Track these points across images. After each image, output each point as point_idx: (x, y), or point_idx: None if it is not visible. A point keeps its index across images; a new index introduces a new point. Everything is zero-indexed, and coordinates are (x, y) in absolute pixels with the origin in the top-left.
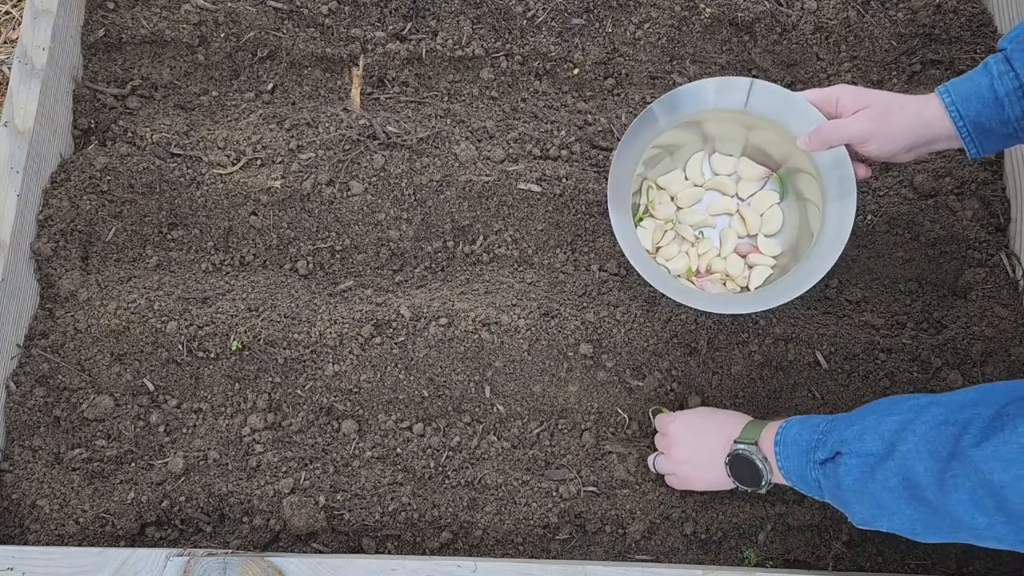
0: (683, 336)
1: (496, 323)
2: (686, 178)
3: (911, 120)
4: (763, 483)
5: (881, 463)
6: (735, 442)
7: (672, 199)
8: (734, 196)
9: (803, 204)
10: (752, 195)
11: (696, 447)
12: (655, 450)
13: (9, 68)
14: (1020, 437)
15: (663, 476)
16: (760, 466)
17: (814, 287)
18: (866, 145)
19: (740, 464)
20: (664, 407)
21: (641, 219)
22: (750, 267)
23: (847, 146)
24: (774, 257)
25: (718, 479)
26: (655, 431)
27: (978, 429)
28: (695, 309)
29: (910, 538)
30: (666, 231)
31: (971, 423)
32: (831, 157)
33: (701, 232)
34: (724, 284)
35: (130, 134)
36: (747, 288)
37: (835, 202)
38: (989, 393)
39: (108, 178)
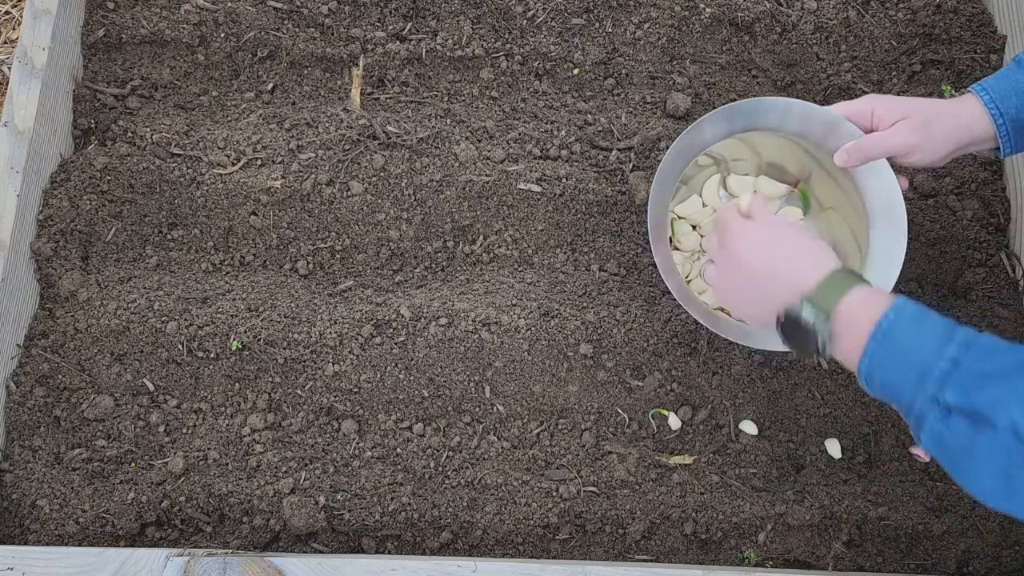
0: (683, 336)
1: (496, 323)
2: (704, 204)
3: (952, 126)
4: (820, 361)
5: None
6: (805, 299)
7: (694, 228)
8: None
9: (827, 216)
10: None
11: (755, 279)
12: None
13: (9, 68)
14: None
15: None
16: (822, 345)
17: None
18: (910, 157)
19: (796, 330)
20: (664, 408)
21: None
22: None
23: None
24: None
25: (765, 320)
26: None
27: None
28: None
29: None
30: (694, 263)
31: None
32: (885, 200)
33: None
34: None
35: (130, 134)
36: None
37: (883, 237)
38: None
39: (108, 178)
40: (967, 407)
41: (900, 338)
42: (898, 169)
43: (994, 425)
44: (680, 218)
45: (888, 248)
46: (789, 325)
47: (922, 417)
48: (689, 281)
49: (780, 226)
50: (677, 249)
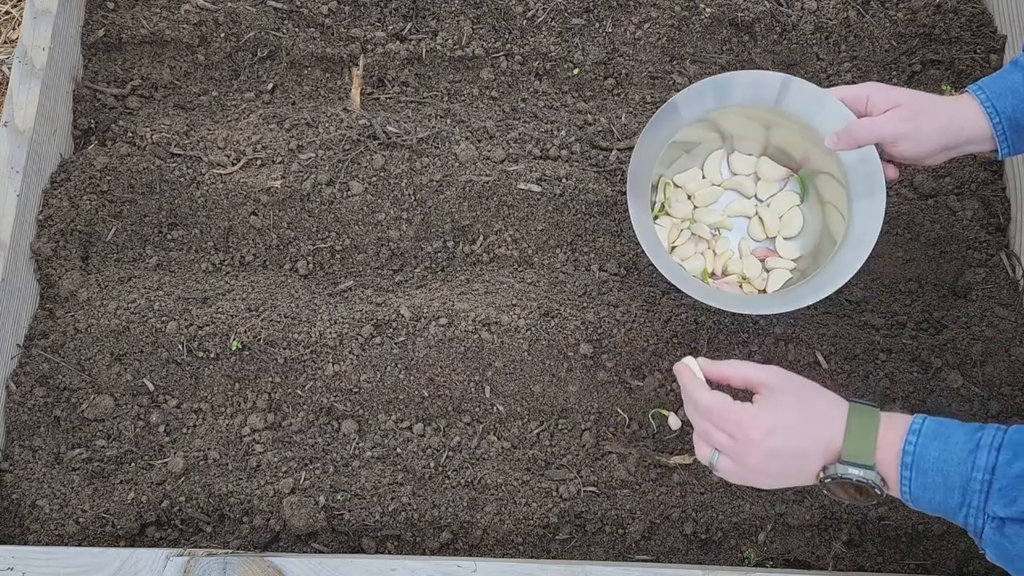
0: (683, 336)
1: (496, 323)
2: (704, 177)
3: (944, 121)
4: (875, 502)
5: None
6: (843, 462)
7: (689, 198)
8: (753, 197)
9: (824, 207)
10: (772, 196)
11: (782, 460)
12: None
13: (9, 68)
14: None
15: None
16: (879, 492)
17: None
18: (897, 145)
19: (846, 490)
20: (664, 408)
21: (657, 217)
22: (768, 271)
23: (876, 146)
24: (793, 260)
25: (804, 484)
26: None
27: None
28: (717, 309)
29: None
30: (682, 230)
31: None
32: (858, 155)
33: (718, 231)
34: (740, 287)
35: (130, 134)
36: (764, 291)
37: (862, 200)
38: None
39: (108, 178)
40: (1017, 515)
41: (929, 460)
42: (885, 158)
43: None
44: (677, 186)
45: (866, 212)
46: (837, 485)
47: (979, 532)
48: (675, 248)
49: (779, 397)
50: (668, 215)
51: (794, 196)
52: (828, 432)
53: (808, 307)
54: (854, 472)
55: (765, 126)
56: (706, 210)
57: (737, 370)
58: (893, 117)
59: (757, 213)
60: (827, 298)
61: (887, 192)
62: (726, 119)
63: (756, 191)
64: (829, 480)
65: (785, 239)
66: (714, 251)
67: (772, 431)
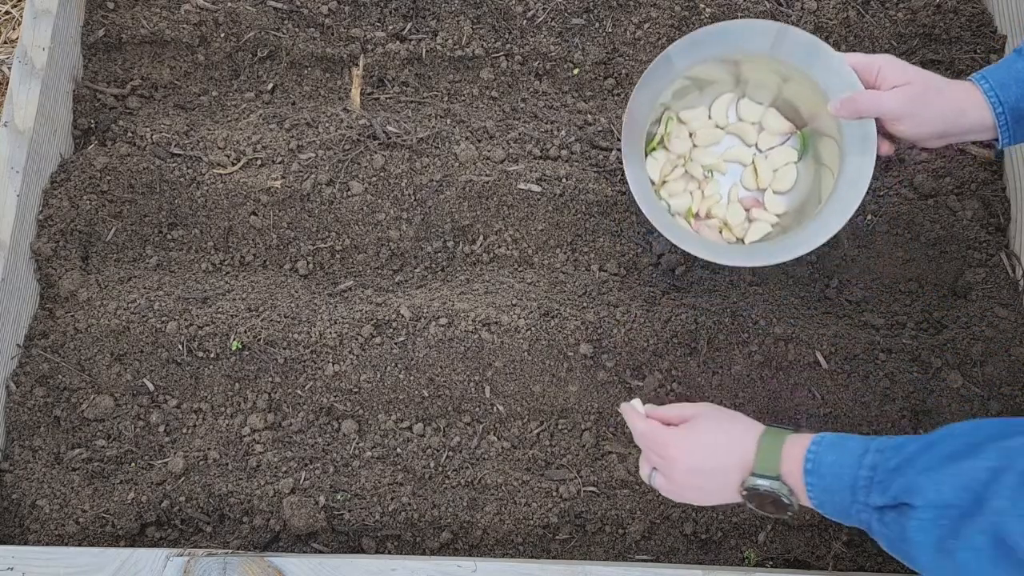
0: (683, 336)
1: (496, 323)
2: (709, 117)
3: (948, 107)
4: (790, 514)
5: (966, 520)
6: (753, 474)
7: (690, 136)
8: (753, 146)
9: (819, 169)
10: (771, 148)
11: (704, 476)
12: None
13: (9, 68)
14: None
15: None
16: (787, 501)
17: (822, 256)
18: (898, 124)
19: (761, 500)
20: None
21: (654, 149)
22: (750, 221)
23: (876, 120)
24: (777, 215)
25: (730, 499)
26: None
27: None
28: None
29: None
30: (676, 166)
31: None
32: (859, 123)
33: (711, 173)
34: (720, 232)
35: (130, 134)
36: (742, 241)
37: (853, 158)
38: None
39: (108, 178)
40: (891, 502)
41: (827, 466)
42: (883, 134)
43: (914, 507)
44: (681, 122)
45: (856, 169)
46: (754, 497)
47: (868, 526)
48: (665, 183)
49: (700, 422)
50: (665, 148)
51: (792, 152)
52: (742, 451)
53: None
54: (762, 483)
55: (782, 78)
56: (704, 150)
57: (675, 411)
58: (899, 95)
59: (753, 162)
60: (827, 298)
61: (875, 158)
62: (746, 65)
63: (757, 140)
64: (745, 493)
65: (775, 192)
66: (703, 192)
67: (692, 451)
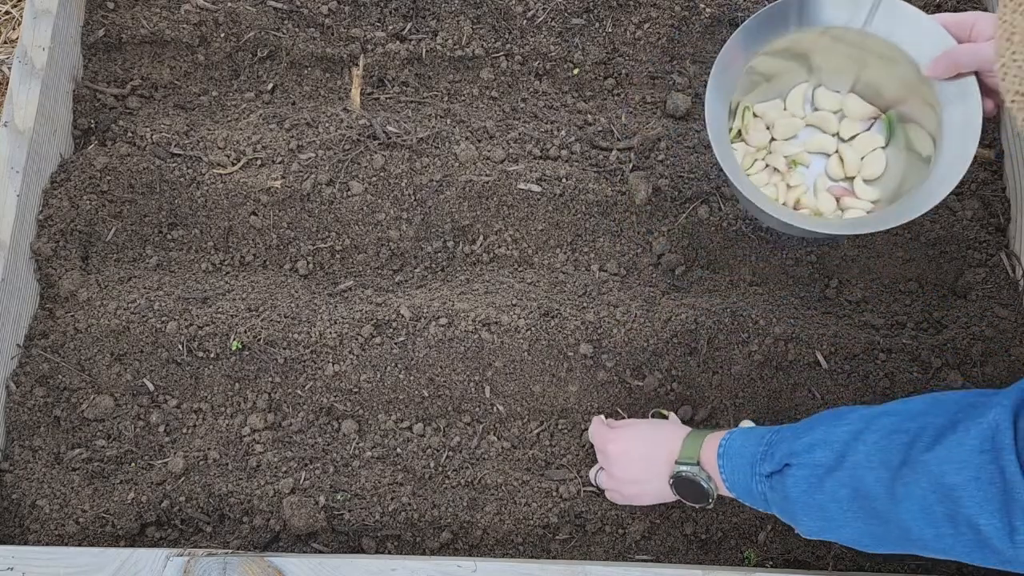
0: (683, 336)
1: (496, 323)
2: (785, 109)
3: None
4: (710, 501)
5: (830, 473)
6: (676, 463)
7: (768, 128)
8: (835, 135)
9: (911, 155)
10: (855, 136)
11: (638, 469)
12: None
13: (9, 68)
14: (972, 439)
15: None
16: (705, 486)
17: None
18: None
19: (685, 485)
20: (664, 408)
21: (732, 142)
22: (843, 210)
23: (976, 76)
24: (872, 203)
25: (663, 493)
26: (586, 419)
27: (930, 436)
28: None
29: (857, 549)
30: (756, 159)
31: (923, 431)
32: (956, 83)
33: (794, 163)
34: None
35: (130, 134)
36: None
37: (956, 105)
38: (939, 403)
39: (108, 178)
40: (777, 467)
41: (735, 448)
42: (986, 91)
43: (791, 466)
44: (756, 115)
45: (962, 116)
46: (679, 484)
47: (764, 498)
48: (747, 175)
49: (637, 424)
50: (743, 141)
51: (879, 138)
52: (669, 447)
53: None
54: (683, 468)
55: (860, 64)
56: (784, 142)
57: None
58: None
59: (837, 151)
60: (827, 298)
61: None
62: (818, 54)
63: (839, 129)
64: (672, 481)
65: (865, 181)
66: (788, 183)
67: (628, 442)
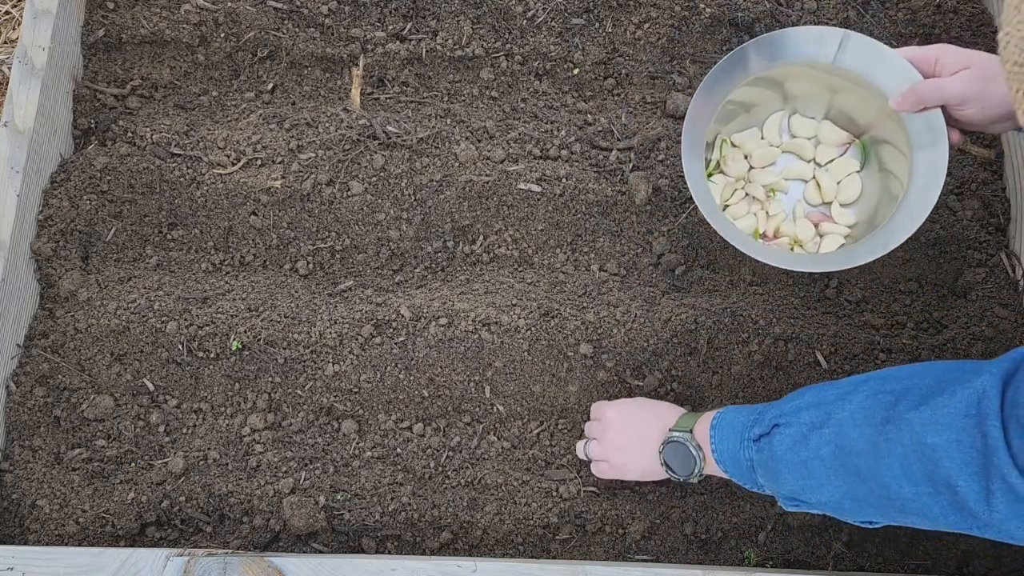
0: (683, 336)
1: (496, 323)
2: (762, 138)
3: None
4: (695, 472)
5: (816, 430)
6: (670, 430)
7: (746, 158)
8: (811, 161)
9: (885, 176)
10: (831, 161)
11: (631, 434)
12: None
13: (9, 68)
14: (957, 403)
15: (590, 463)
16: (694, 454)
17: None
18: (964, 108)
19: (673, 452)
20: None
21: (711, 174)
22: (821, 235)
23: (942, 108)
24: (848, 227)
25: (650, 467)
26: (586, 419)
27: (916, 396)
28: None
29: (835, 516)
30: (736, 189)
31: (909, 392)
32: (923, 116)
33: (772, 192)
34: (792, 249)
35: (130, 134)
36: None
37: (923, 152)
38: (929, 368)
39: (108, 178)
40: (765, 430)
41: (727, 420)
42: (951, 123)
43: (780, 426)
44: (734, 145)
45: (929, 163)
46: (668, 452)
47: (751, 463)
48: (727, 206)
49: (637, 398)
50: (722, 173)
51: (854, 162)
52: (664, 421)
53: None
54: (676, 434)
55: (831, 90)
56: (762, 171)
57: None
58: (962, 78)
59: (814, 177)
60: (827, 298)
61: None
62: (791, 81)
63: (815, 155)
64: (662, 448)
65: (842, 205)
66: (767, 212)
67: (624, 413)
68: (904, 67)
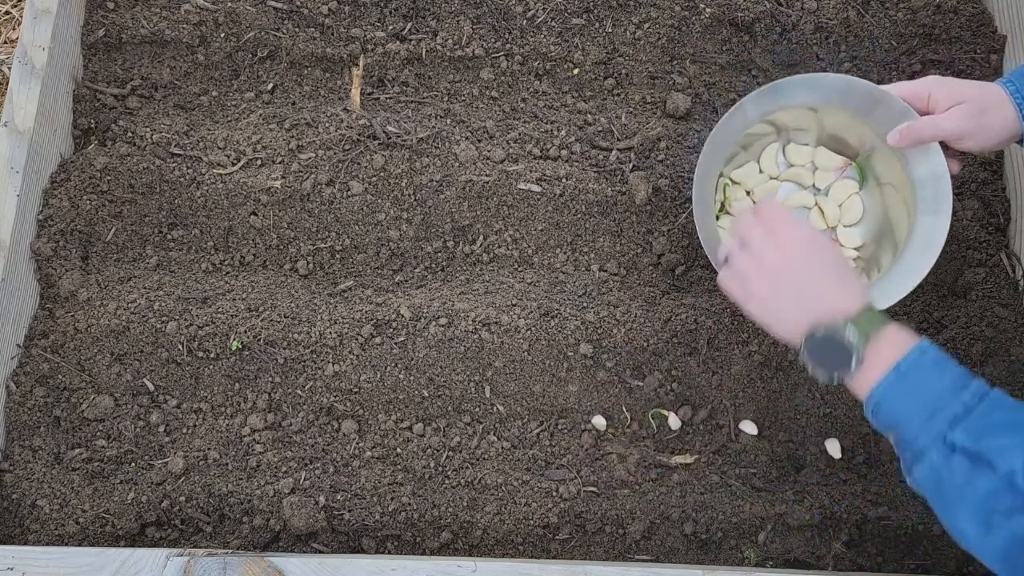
0: (683, 336)
1: (496, 323)
2: (761, 171)
3: (1009, 115)
4: (834, 379)
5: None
6: (849, 321)
7: (748, 194)
8: (811, 187)
9: (883, 189)
10: (830, 185)
11: (792, 272)
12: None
13: (9, 68)
14: None
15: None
16: (854, 366)
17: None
18: (962, 142)
19: (829, 345)
20: (664, 408)
21: (718, 217)
22: None
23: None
24: (856, 249)
25: (789, 326)
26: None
27: None
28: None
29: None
30: None
31: None
32: (929, 170)
33: None
34: None
35: (130, 134)
36: None
37: (927, 217)
38: None
39: (108, 178)
40: (972, 449)
41: (918, 377)
42: (950, 153)
43: (994, 469)
44: (734, 183)
45: (930, 229)
46: (824, 340)
47: (924, 452)
48: None
49: (828, 240)
50: (728, 214)
51: (852, 184)
52: (851, 295)
53: None
54: (851, 333)
55: (818, 122)
56: None
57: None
58: (957, 114)
59: (816, 203)
60: None
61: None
62: (779, 113)
63: (814, 181)
64: (821, 332)
65: (846, 227)
66: None
67: (805, 243)
68: (899, 105)
